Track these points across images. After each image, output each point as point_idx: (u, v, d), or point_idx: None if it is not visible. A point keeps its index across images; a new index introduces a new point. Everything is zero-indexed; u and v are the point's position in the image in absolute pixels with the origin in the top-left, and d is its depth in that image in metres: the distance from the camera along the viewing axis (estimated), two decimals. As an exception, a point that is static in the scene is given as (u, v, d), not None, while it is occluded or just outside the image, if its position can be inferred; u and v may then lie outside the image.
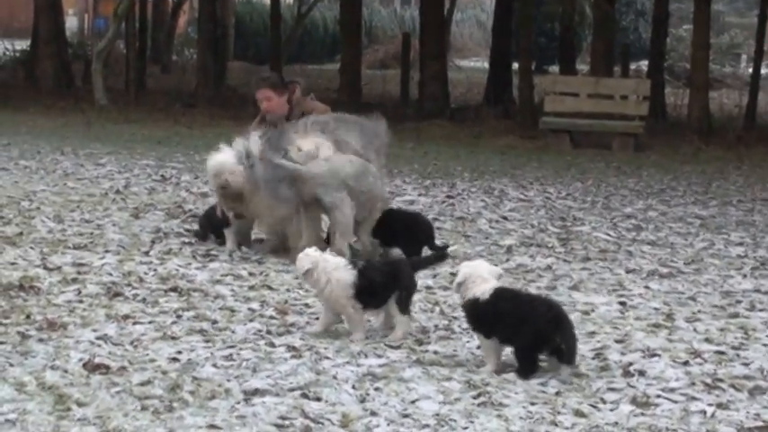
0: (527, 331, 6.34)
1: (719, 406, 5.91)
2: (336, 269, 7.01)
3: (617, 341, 7.12)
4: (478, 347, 6.61)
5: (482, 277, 6.61)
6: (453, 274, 8.69)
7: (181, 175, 13.92)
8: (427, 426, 5.48)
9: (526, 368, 6.33)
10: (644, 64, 27.98)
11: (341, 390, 5.96)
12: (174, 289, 8.07)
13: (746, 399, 6.07)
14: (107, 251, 9.28)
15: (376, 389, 6.01)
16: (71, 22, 37.77)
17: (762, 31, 23.82)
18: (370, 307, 7.09)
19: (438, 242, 9.57)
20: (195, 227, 10.38)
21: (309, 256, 7.06)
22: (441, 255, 8.20)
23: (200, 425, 5.38)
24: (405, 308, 7.05)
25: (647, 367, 6.55)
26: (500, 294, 6.52)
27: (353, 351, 6.70)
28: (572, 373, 6.30)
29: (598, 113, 19.66)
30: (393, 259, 8.90)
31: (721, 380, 6.36)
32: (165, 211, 11.27)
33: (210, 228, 9.99)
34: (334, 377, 6.17)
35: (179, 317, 7.32)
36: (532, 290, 8.29)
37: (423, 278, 8.72)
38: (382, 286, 7.04)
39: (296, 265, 7.23)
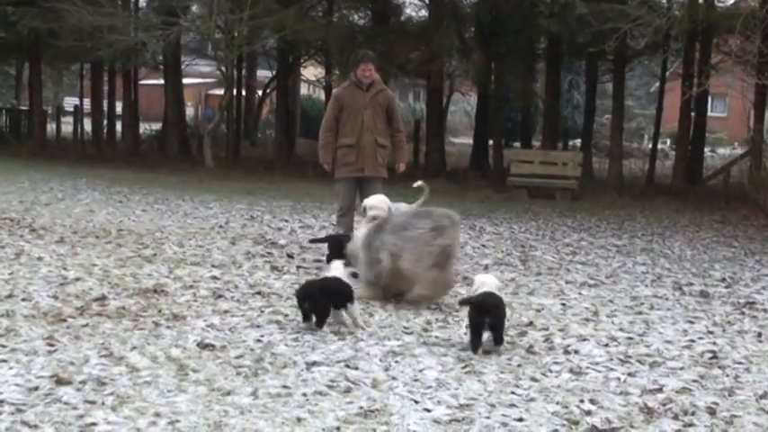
0: (471, 316, 6.38)
1: (629, 375, 5.90)
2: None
3: (559, 330, 7.11)
4: (465, 334, 6.60)
5: (484, 284, 6.62)
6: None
7: (263, 215, 13.89)
8: (430, 387, 5.48)
9: (472, 342, 6.33)
10: (578, 141, 27.89)
11: (372, 362, 5.97)
12: (258, 293, 8.05)
13: (648, 370, 6.06)
14: (213, 266, 9.25)
15: (396, 361, 6.01)
16: (189, 111, 37.92)
17: (659, 119, 23.87)
18: None
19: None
20: (273, 251, 10.38)
21: None
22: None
23: (276, 386, 5.39)
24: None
25: (579, 348, 6.54)
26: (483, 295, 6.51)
27: (381, 335, 6.70)
28: (497, 350, 6.30)
29: (547, 175, 19.65)
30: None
31: (630, 357, 6.35)
32: (253, 240, 11.21)
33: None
34: (367, 353, 6.18)
35: (262, 312, 7.31)
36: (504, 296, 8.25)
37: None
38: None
39: None
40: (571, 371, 5.93)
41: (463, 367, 5.92)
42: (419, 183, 9.64)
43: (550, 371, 5.92)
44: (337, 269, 7.10)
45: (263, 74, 38.13)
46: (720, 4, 19.71)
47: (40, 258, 9.27)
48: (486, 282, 6.66)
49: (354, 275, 7.41)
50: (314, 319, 6.73)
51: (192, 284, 8.27)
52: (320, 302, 6.73)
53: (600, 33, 17.10)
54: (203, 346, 6.19)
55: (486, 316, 6.27)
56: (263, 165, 23.90)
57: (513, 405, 5.22)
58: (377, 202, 8.75)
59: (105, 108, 29.88)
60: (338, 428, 4.75)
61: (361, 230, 8.74)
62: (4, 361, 5.66)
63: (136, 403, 5.01)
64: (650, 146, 25.69)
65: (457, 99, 42.81)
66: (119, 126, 29.88)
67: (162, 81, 28.13)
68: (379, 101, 9.78)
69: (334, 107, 9.87)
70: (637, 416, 5.12)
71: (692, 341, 6.88)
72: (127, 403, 5.00)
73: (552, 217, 15.66)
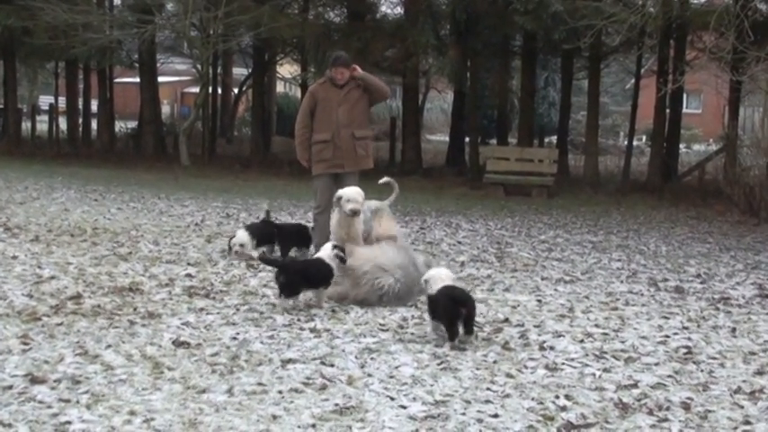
0: (439, 309, 6.46)
1: (604, 370, 5.93)
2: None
3: (535, 326, 7.13)
4: (432, 330, 6.62)
5: (441, 279, 6.64)
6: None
7: (239, 213, 13.87)
8: (406, 384, 5.48)
9: (449, 334, 6.37)
10: (554, 138, 27.99)
11: (347, 359, 5.97)
12: (234, 290, 8.06)
13: (623, 365, 6.08)
14: (189, 264, 9.26)
15: (371, 358, 6.01)
16: (165, 109, 37.76)
17: (633, 115, 23.95)
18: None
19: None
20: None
21: None
22: None
23: (251, 383, 5.38)
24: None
25: (555, 344, 6.56)
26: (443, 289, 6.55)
27: (356, 332, 6.70)
28: (470, 340, 6.36)
29: (523, 171, 19.69)
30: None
31: (606, 352, 6.37)
32: (229, 238, 11.17)
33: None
34: (343, 350, 6.17)
35: (237, 309, 7.31)
36: (478, 292, 8.30)
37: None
38: None
39: None
40: (546, 367, 5.95)
41: (439, 364, 5.93)
42: (386, 179, 9.65)
43: (526, 367, 5.94)
44: (325, 250, 7.57)
45: (239, 72, 38.04)
46: (694, 1, 19.77)
47: (14, 257, 9.21)
48: (441, 275, 6.73)
49: (342, 260, 7.59)
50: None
51: (167, 282, 8.25)
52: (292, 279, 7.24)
53: (575, 30, 17.15)
54: (178, 343, 6.17)
55: (463, 307, 6.30)
56: (239, 162, 23.83)
57: (488, 401, 5.23)
58: (354, 194, 8.74)
59: (81, 106, 29.74)
60: (314, 426, 4.75)
61: (334, 220, 8.88)
62: (-22, 360, 5.63)
63: (111, 401, 4.99)
64: (626, 143, 25.80)
65: (433, 96, 42.88)
66: (94, 124, 29.72)
67: (137, 79, 28.01)
68: (354, 95, 9.75)
69: (308, 102, 9.84)
70: (612, 411, 5.14)
71: (667, 337, 6.92)
72: (102, 401, 4.98)
73: (528, 214, 15.69)
